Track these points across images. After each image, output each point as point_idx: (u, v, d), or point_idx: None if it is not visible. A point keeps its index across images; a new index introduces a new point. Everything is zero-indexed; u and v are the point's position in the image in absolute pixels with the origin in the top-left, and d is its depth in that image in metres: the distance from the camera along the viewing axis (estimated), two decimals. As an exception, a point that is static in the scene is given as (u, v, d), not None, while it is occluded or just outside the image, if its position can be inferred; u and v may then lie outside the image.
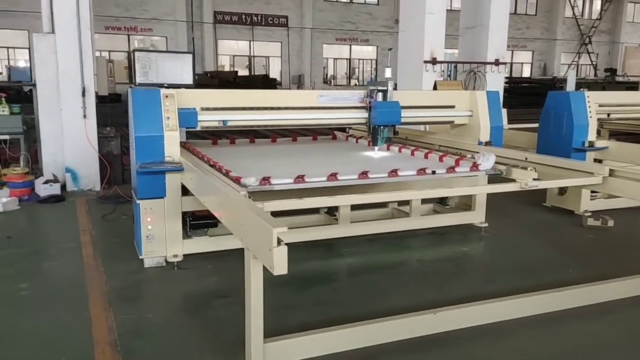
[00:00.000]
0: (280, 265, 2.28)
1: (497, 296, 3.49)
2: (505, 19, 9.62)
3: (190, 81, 4.67)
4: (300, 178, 3.46)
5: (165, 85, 4.50)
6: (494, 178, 4.19)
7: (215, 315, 3.57)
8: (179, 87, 4.56)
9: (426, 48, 8.94)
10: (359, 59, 32.91)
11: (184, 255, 4.43)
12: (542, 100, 6.55)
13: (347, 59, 32.50)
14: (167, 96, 4.29)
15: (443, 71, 9.23)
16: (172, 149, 4.28)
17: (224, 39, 28.89)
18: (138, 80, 4.44)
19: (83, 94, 7.07)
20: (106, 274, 4.24)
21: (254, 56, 29.95)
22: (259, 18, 28.81)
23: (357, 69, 33.35)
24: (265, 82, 20.35)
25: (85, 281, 4.09)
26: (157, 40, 27.20)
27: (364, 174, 3.64)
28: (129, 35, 26.54)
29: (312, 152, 5.21)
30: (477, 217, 5.47)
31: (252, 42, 29.43)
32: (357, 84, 31.91)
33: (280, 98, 4.92)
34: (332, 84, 31.25)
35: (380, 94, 4.87)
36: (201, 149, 4.78)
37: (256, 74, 27.45)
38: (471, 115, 5.45)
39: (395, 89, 4.97)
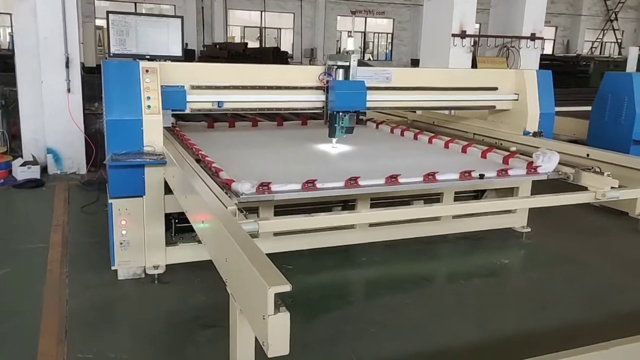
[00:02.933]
0: (278, 343, 1.47)
1: (555, 332, 2.68)
2: (545, -14, 8.59)
3: (178, 52, 3.82)
4: (310, 183, 2.63)
5: (147, 57, 3.66)
6: (554, 182, 3.33)
7: (198, 354, 2.79)
8: (165, 60, 3.74)
9: (455, 19, 7.95)
10: (374, 32, 31.62)
11: (166, 265, 3.64)
12: (567, 79, 5.74)
13: (362, 32, 31.21)
14: (147, 70, 3.46)
15: (473, 46, 8.27)
16: (153, 136, 3.47)
17: (234, 9, 27.73)
18: (113, 50, 3.61)
19: (67, 65, 6.25)
20: (69, 287, 3.47)
21: (265, 27, 28.80)
22: (272, -13, 27.59)
23: (371, 43, 32.08)
24: (276, 56, 19.28)
25: (42, 298, 3.32)
26: (166, 9, 26.11)
27: (393, 179, 2.79)
28: (135, 3, 25.46)
29: (323, 139, 4.35)
30: (518, 220, 4.62)
31: (263, 13, 28.25)
32: (372, 58, 30.70)
33: (291, 75, 4.04)
34: (346, 58, 30.02)
35: (340, 71, 3.84)
36: (191, 136, 3.96)
37: (267, 46, 26.33)
38: (517, 100, 4.56)
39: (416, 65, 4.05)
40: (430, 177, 2.88)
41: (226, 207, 2.19)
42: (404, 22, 30.55)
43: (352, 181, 2.70)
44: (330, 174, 2.92)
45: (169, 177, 3.33)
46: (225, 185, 2.61)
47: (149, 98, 3.44)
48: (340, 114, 3.83)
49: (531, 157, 3.40)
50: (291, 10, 28.67)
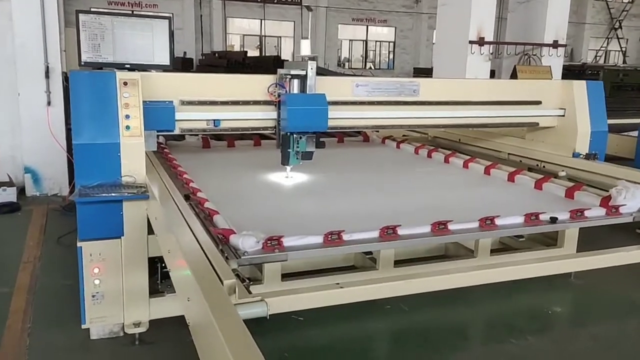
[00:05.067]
0: None
1: None
2: (567, -10, 8.00)
3: (165, 60, 3.15)
4: (334, 235, 1.96)
5: (127, 66, 3.01)
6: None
7: None
8: (150, 70, 3.09)
9: (473, 25, 7.34)
10: (376, 41, 31.07)
11: (150, 321, 2.96)
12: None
13: (363, 40, 30.67)
14: (126, 83, 2.82)
15: (492, 54, 7.64)
16: (133, 163, 2.82)
17: (233, 17, 27.18)
18: (84, 58, 2.94)
19: (47, 75, 5.62)
20: (30, 351, 2.79)
21: (265, 36, 28.24)
22: (271, -5, 27.07)
23: (372, 52, 31.52)
24: (277, 64, 18.65)
25: (-7, 369, 2.66)
26: (163, 18, 25.58)
27: (441, 225, 2.13)
28: (133, 11, 24.90)
29: (338, 164, 3.69)
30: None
31: (263, 21, 27.70)
32: (373, 67, 30.14)
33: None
34: (347, 67, 29.48)
35: (295, 81, 3.16)
36: (182, 160, 3.30)
37: (267, 55, 25.72)
38: (563, 115, 3.91)
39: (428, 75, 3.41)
40: (489, 223, 2.22)
41: (222, 283, 1.52)
42: (406, 30, 30.05)
43: (390, 230, 2.03)
44: (354, 215, 2.26)
45: (152, 216, 2.67)
46: (222, 238, 1.94)
47: (127, 117, 2.79)
48: (295, 135, 3.11)
49: (603, 189, 2.75)
50: (291, 19, 28.13)
